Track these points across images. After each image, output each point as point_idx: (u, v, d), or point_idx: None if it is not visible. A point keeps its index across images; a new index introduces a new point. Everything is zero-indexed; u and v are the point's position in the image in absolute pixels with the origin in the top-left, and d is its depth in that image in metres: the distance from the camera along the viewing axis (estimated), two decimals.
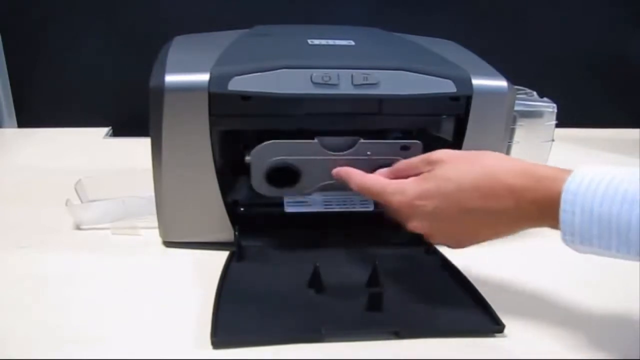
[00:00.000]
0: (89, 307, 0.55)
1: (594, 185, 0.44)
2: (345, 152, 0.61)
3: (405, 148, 0.62)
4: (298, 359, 0.49)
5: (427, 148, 0.68)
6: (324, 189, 0.63)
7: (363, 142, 0.61)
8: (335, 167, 0.61)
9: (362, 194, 0.58)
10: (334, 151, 0.61)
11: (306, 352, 0.50)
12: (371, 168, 0.60)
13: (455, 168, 0.52)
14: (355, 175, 0.58)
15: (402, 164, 0.57)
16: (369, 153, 0.62)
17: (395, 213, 0.55)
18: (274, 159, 0.61)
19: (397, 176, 0.57)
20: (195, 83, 0.57)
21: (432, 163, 0.53)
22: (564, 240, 0.46)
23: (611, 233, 0.43)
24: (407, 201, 0.53)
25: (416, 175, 0.54)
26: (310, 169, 0.62)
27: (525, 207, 0.48)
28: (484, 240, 0.53)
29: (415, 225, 0.54)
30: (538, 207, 0.47)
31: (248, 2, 1.00)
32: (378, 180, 0.57)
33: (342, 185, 0.61)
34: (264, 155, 0.60)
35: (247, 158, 0.61)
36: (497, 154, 0.53)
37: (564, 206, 0.44)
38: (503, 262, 0.64)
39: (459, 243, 0.54)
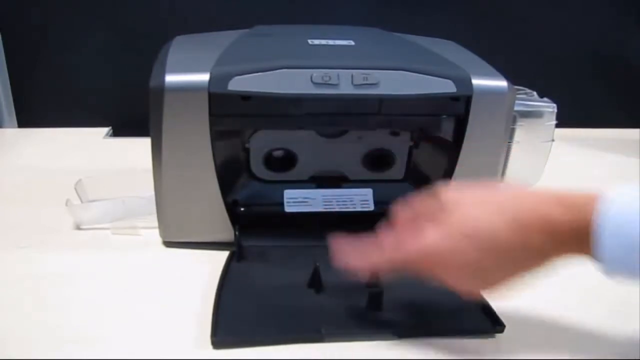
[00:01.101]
0: (89, 307, 0.55)
1: (628, 208, 0.41)
2: (338, 138, 0.67)
3: (394, 134, 0.67)
4: (298, 359, 0.49)
5: (428, 148, 0.69)
6: (320, 174, 0.68)
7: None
8: (329, 152, 0.62)
9: (389, 269, 0.50)
10: (328, 137, 0.67)
11: (306, 352, 0.50)
12: (363, 152, 0.64)
13: (475, 208, 0.46)
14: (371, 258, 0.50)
15: (404, 211, 0.51)
16: (360, 137, 0.67)
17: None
18: (272, 144, 0.66)
19: (399, 222, 0.50)
20: (195, 83, 0.57)
21: (444, 205, 0.47)
22: (597, 268, 0.43)
23: None
24: (440, 260, 0.46)
25: (423, 217, 0.48)
26: (305, 153, 0.67)
27: (559, 237, 0.43)
28: (522, 275, 0.46)
29: (457, 283, 0.47)
30: (574, 234, 0.43)
31: (248, 2, 1.00)
32: (398, 250, 0.49)
33: (337, 170, 0.68)
34: (263, 141, 0.65)
35: (247, 145, 0.65)
36: (509, 184, 0.49)
37: (596, 229, 0.41)
38: None
39: (490, 285, 0.47)
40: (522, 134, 0.73)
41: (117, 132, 1.04)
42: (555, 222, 0.43)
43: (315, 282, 0.56)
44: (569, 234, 0.43)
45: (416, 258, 0.47)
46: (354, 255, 0.50)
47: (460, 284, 0.47)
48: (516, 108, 0.67)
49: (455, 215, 0.46)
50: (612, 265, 0.42)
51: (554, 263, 0.45)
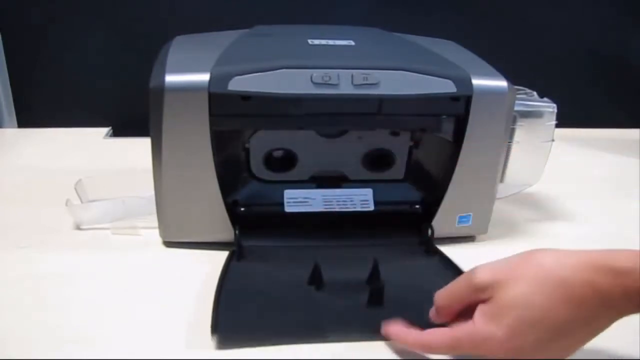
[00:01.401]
0: (88, 307, 0.55)
1: None
2: (338, 138, 0.67)
3: (394, 134, 0.67)
4: (299, 358, 0.49)
5: (428, 148, 0.69)
6: (320, 174, 0.68)
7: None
8: (329, 152, 0.62)
9: (431, 353, 0.49)
10: (328, 137, 0.67)
11: (306, 352, 0.50)
12: (363, 152, 0.65)
13: (520, 287, 0.44)
14: (415, 335, 0.49)
15: (443, 298, 0.49)
16: (360, 137, 0.67)
17: None
18: (272, 144, 0.66)
19: (442, 314, 0.49)
20: (195, 83, 0.57)
21: (483, 289, 0.45)
22: None
23: None
24: (501, 348, 0.44)
25: (464, 306, 0.47)
26: (305, 153, 0.67)
27: (613, 304, 0.43)
28: (582, 344, 0.45)
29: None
30: (627, 299, 0.42)
31: (248, 2, 1.00)
32: (444, 335, 0.47)
33: (337, 170, 0.68)
34: (263, 141, 0.65)
35: (247, 145, 0.65)
36: (539, 251, 0.46)
37: None
38: None
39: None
40: (522, 134, 0.73)
41: (117, 132, 1.04)
42: (609, 293, 0.42)
43: (316, 279, 0.56)
44: (622, 300, 0.42)
45: (471, 347, 0.46)
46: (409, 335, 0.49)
47: None
48: (516, 108, 0.67)
49: (504, 299, 0.44)
50: None
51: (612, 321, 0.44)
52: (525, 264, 0.45)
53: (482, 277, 0.46)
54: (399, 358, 0.50)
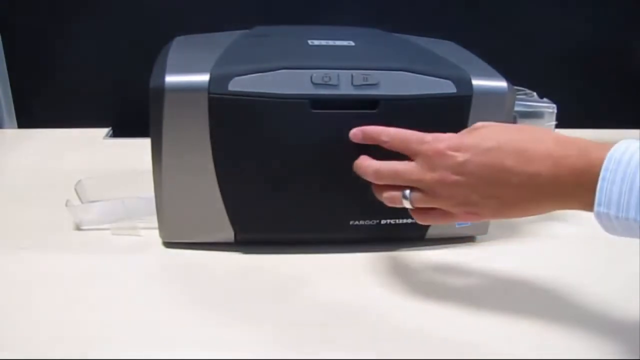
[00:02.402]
0: (89, 307, 0.55)
1: (638, 155, 0.42)
2: None
3: None
4: (300, 358, 0.49)
5: None
6: None
7: None
8: None
9: (393, 145, 0.54)
10: None
11: (307, 352, 0.50)
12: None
13: (497, 130, 0.50)
14: (387, 129, 0.55)
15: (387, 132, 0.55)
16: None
17: (417, 165, 0.51)
18: None
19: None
20: (195, 84, 0.57)
21: (474, 128, 0.52)
22: (597, 213, 0.43)
23: None
24: (439, 149, 0.50)
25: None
26: None
27: (562, 175, 0.46)
28: (507, 212, 0.50)
29: (434, 177, 0.50)
30: (576, 176, 0.45)
31: (248, 2, 1.00)
32: (413, 132, 0.53)
33: None
34: None
35: None
36: (544, 129, 0.51)
37: (604, 174, 0.43)
38: (504, 263, 0.64)
39: (477, 208, 0.50)
40: None
41: (117, 132, 1.04)
42: (556, 158, 0.46)
43: None
44: (570, 173, 0.45)
45: (424, 141, 0.51)
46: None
47: (441, 182, 0.50)
48: (516, 108, 0.67)
49: (478, 130, 0.51)
50: (607, 209, 0.43)
51: (552, 207, 0.48)
52: (518, 126, 0.54)
53: (479, 124, 0.53)
54: (399, 358, 0.50)
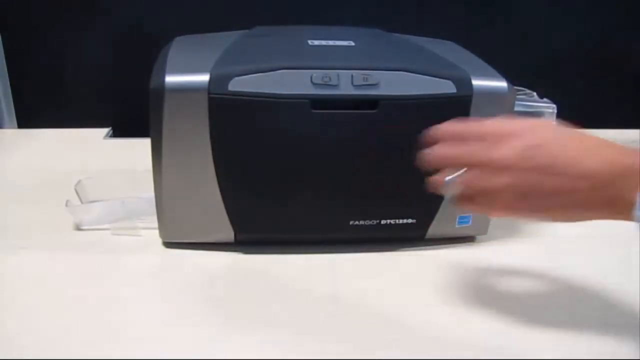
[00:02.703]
0: (89, 307, 0.55)
1: None
2: None
3: None
4: (299, 358, 0.49)
5: None
6: None
7: None
8: None
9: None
10: None
11: (307, 351, 0.50)
12: None
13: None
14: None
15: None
16: None
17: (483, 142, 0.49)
18: None
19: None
20: (195, 84, 0.57)
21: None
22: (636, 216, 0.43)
23: None
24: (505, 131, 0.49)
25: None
26: None
27: (610, 178, 0.44)
28: (552, 210, 0.49)
29: (497, 154, 0.48)
30: (624, 178, 0.44)
31: (248, 2, 1.00)
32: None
33: None
34: None
35: None
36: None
37: None
38: (504, 263, 0.64)
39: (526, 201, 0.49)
40: None
41: (117, 132, 1.04)
42: (610, 159, 0.45)
43: None
44: (619, 176, 0.44)
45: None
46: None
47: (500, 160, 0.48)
48: (516, 109, 0.67)
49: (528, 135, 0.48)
50: None
51: (595, 212, 0.46)
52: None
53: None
54: (399, 358, 0.50)
